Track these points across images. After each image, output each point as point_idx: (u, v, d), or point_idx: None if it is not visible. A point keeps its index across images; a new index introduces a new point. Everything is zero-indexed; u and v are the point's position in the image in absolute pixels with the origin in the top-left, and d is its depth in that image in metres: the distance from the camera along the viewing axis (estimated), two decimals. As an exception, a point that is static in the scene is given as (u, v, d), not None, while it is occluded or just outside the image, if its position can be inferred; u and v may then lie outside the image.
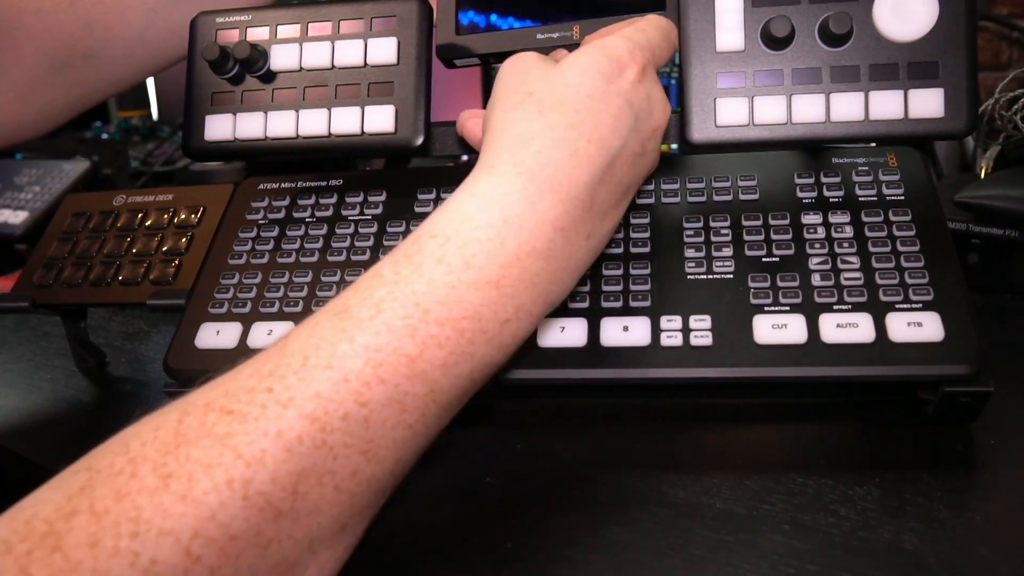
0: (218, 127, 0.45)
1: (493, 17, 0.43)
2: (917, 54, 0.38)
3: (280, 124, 0.44)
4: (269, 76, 0.45)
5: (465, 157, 0.55)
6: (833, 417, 0.38)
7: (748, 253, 0.39)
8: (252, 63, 0.44)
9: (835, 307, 0.36)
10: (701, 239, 0.40)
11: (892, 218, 0.39)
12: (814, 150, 0.43)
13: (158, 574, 0.22)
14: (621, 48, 0.35)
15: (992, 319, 0.50)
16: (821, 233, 0.39)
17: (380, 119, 0.44)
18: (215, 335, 0.41)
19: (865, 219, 0.39)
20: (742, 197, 0.41)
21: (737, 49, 0.40)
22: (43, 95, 0.51)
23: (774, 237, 0.39)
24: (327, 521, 0.25)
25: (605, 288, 0.39)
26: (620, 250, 0.40)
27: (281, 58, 0.45)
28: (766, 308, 0.37)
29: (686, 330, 0.37)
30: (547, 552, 0.30)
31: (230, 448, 0.24)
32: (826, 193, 0.41)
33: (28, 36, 0.49)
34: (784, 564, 0.29)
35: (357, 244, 0.43)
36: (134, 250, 0.47)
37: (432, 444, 0.29)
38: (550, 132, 0.32)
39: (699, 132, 0.40)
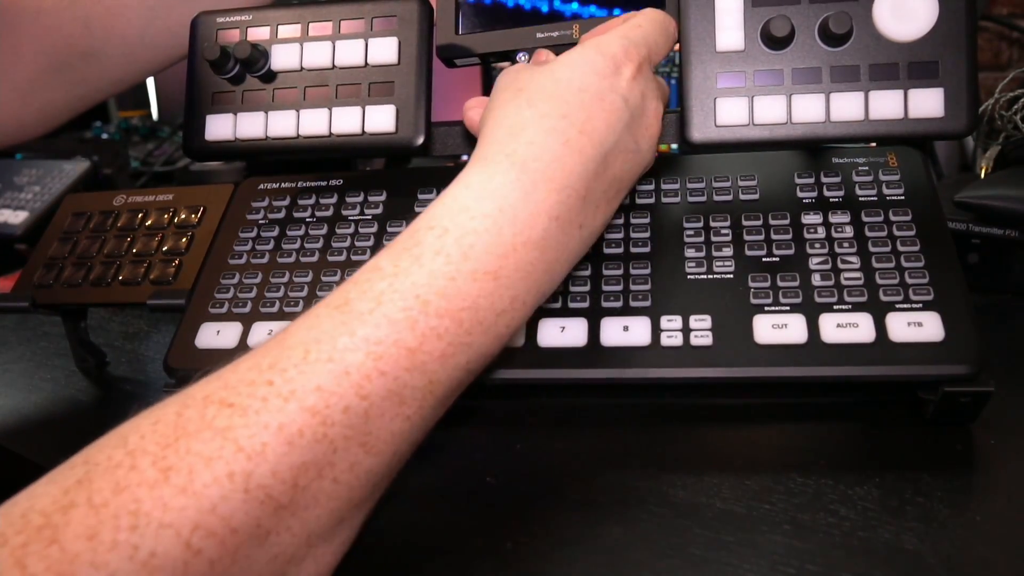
0: (219, 127, 0.45)
1: (493, 16, 0.43)
2: (917, 54, 0.38)
3: (281, 124, 0.44)
4: (270, 76, 0.45)
5: (465, 157, 0.55)
6: (833, 417, 0.38)
7: (748, 253, 0.39)
8: (253, 63, 0.44)
9: (835, 307, 0.36)
10: (701, 239, 0.40)
11: (892, 218, 0.39)
12: (814, 150, 0.43)
13: (157, 567, 0.22)
14: (616, 46, 0.35)
15: (992, 319, 0.50)
16: (821, 233, 0.39)
17: (381, 119, 0.44)
18: (215, 335, 0.41)
19: (865, 219, 0.39)
20: (742, 197, 0.41)
21: (737, 49, 0.40)
22: (43, 95, 0.51)
23: (774, 237, 0.39)
24: (325, 514, 0.26)
25: (605, 288, 0.39)
26: (620, 250, 0.40)
27: (282, 58, 0.45)
28: (766, 308, 0.37)
29: (686, 330, 0.37)
30: (547, 552, 0.30)
31: (231, 441, 0.24)
32: (826, 193, 0.41)
33: (28, 36, 0.49)
34: (784, 564, 0.29)
35: (357, 244, 0.43)
36: (134, 250, 0.47)
37: (432, 444, 0.29)
38: (540, 122, 0.32)
39: (699, 132, 0.40)
